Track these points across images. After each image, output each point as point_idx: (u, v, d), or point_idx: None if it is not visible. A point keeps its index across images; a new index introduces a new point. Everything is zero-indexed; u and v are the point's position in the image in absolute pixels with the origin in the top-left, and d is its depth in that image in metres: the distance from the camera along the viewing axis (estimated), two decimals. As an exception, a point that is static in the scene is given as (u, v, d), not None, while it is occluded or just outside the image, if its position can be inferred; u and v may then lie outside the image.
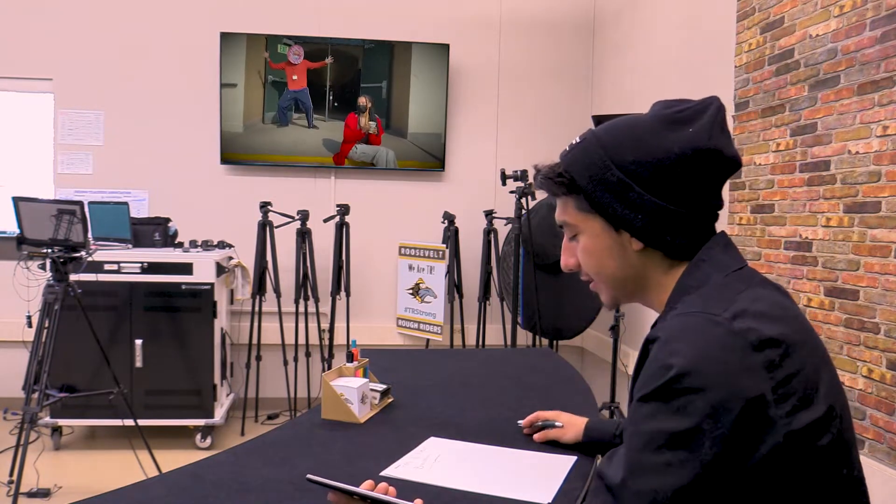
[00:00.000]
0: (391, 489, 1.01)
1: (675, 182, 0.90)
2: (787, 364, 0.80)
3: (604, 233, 0.96)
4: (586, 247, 0.99)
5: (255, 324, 4.33)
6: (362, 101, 4.62)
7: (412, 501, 0.96)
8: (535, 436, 1.48)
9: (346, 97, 4.63)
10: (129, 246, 3.96)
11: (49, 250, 3.14)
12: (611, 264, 0.97)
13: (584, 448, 1.41)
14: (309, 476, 0.97)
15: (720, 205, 0.95)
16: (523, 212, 3.97)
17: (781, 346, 0.80)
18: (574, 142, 0.98)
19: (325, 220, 4.38)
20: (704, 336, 0.81)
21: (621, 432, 1.37)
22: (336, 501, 0.98)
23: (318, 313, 4.45)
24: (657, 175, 0.90)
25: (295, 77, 4.58)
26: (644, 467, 0.79)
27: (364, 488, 0.98)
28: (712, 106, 0.93)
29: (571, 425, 1.45)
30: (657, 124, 0.92)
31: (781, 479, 0.78)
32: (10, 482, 3.06)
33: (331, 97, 4.61)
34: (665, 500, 0.77)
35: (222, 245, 4.27)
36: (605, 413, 3.88)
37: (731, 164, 0.92)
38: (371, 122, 4.62)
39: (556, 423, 1.46)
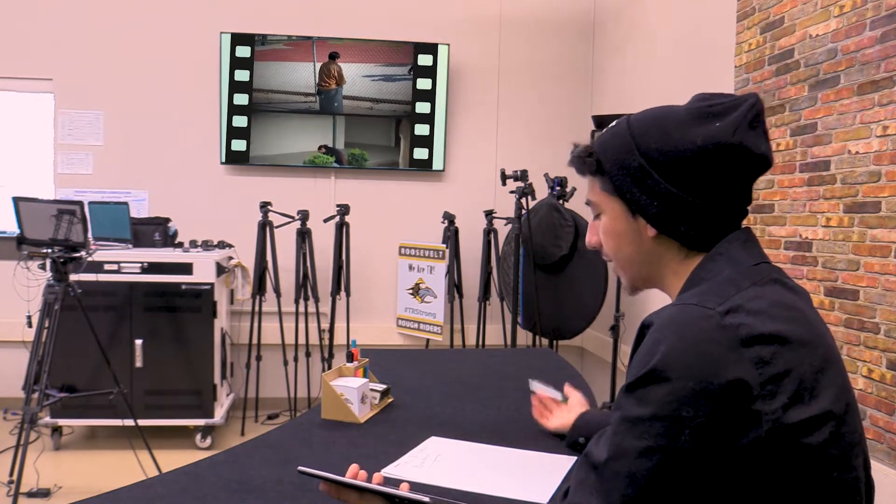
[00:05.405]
0: (377, 475, 1.03)
1: (693, 174, 0.91)
2: (779, 361, 0.80)
3: (622, 216, 0.99)
4: (606, 227, 1.02)
5: (255, 324, 4.33)
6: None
7: (398, 487, 0.96)
8: (535, 402, 1.57)
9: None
10: (129, 246, 3.96)
11: (49, 250, 3.14)
12: (627, 248, 1.00)
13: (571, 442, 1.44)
14: (300, 468, 0.99)
15: (745, 201, 0.96)
16: (523, 212, 3.96)
17: (774, 344, 0.81)
18: (611, 125, 1.02)
19: (326, 220, 4.38)
20: (692, 328, 0.82)
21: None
22: (327, 491, 1.00)
23: (318, 313, 4.45)
24: (677, 165, 0.92)
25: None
26: (625, 451, 0.82)
27: (349, 474, 1.00)
28: (746, 103, 0.93)
29: (567, 410, 1.51)
30: (687, 116, 0.93)
31: (763, 472, 0.79)
32: (10, 482, 3.06)
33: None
34: (642, 483, 0.80)
35: (222, 245, 4.27)
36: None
37: (756, 161, 0.92)
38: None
39: (558, 397, 1.54)
